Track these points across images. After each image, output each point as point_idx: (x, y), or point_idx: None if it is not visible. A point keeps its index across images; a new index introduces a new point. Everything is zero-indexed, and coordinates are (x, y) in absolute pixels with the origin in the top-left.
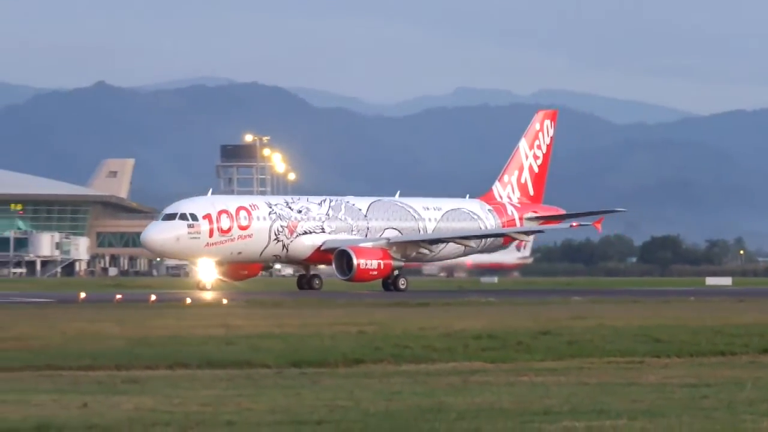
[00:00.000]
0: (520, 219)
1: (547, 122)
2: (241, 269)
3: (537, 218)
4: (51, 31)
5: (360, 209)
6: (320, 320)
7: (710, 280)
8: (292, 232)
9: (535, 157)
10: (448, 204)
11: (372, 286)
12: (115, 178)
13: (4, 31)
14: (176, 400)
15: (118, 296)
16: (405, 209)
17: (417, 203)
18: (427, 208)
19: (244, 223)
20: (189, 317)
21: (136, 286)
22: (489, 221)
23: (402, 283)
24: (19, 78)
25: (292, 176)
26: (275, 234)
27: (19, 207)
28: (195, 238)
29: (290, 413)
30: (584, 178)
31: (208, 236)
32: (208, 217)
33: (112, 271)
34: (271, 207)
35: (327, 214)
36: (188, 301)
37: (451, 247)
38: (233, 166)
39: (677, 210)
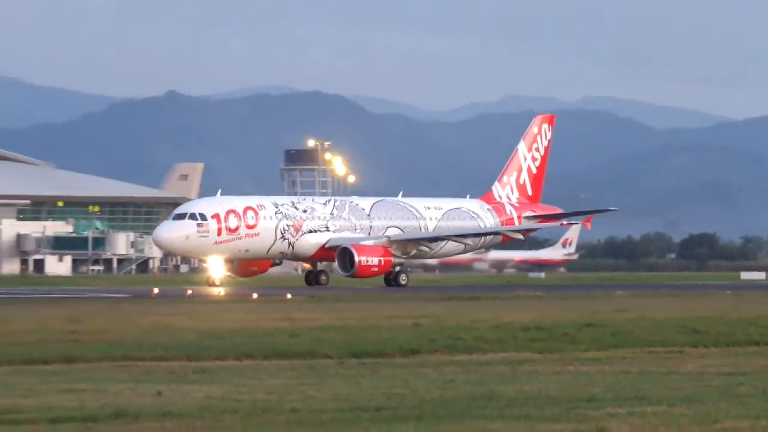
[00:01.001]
0: (519, 218)
1: (545, 126)
2: (251, 266)
3: (535, 217)
4: (125, 44)
5: (363, 209)
6: (378, 313)
7: (745, 275)
8: (297, 230)
9: (533, 159)
10: (448, 204)
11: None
12: (186, 181)
13: (81, 44)
14: (243, 389)
15: (189, 292)
16: (407, 209)
17: (418, 203)
18: (429, 208)
19: (251, 222)
20: (255, 311)
21: (204, 282)
22: (488, 220)
23: (403, 279)
24: (96, 88)
25: (351, 179)
26: (281, 232)
27: (96, 208)
28: (204, 236)
29: (350, 401)
30: (626, 180)
31: (216, 235)
32: (216, 216)
33: (184, 268)
34: (277, 207)
35: (331, 214)
36: (254, 296)
37: (451, 245)
38: (296, 169)
39: (714, 209)
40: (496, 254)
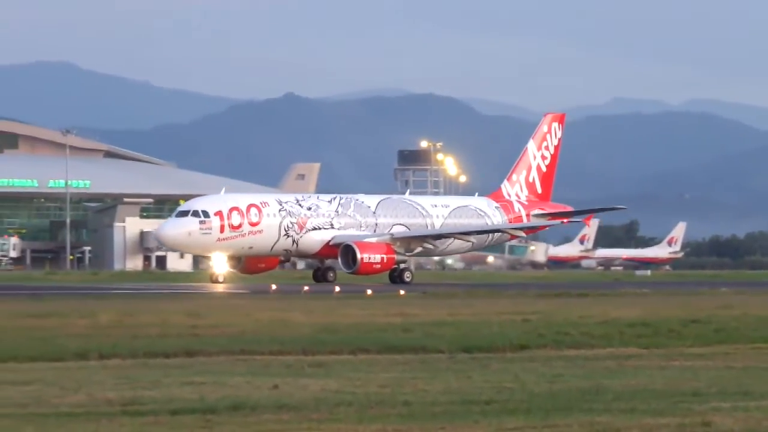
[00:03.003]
0: (527, 216)
1: (555, 125)
2: (259, 263)
3: (544, 215)
4: (245, 47)
5: (369, 206)
6: (489, 309)
7: None
8: (301, 227)
9: (543, 158)
10: (456, 201)
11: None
12: (303, 181)
13: (202, 48)
14: (358, 382)
15: (306, 287)
16: (413, 206)
17: (425, 201)
18: (435, 206)
19: (254, 219)
20: (370, 306)
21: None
22: (496, 218)
23: (407, 276)
24: (217, 90)
25: (462, 178)
26: (285, 230)
27: None
28: (206, 233)
29: (461, 394)
30: (731, 180)
31: (219, 232)
32: (219, 213)
33: (300, 265)
34: (281, 204)
35: (336, 211)
36: (369, 292)
37: (457, 242)
38: (409, 169)
39: None
40: (603, 252)
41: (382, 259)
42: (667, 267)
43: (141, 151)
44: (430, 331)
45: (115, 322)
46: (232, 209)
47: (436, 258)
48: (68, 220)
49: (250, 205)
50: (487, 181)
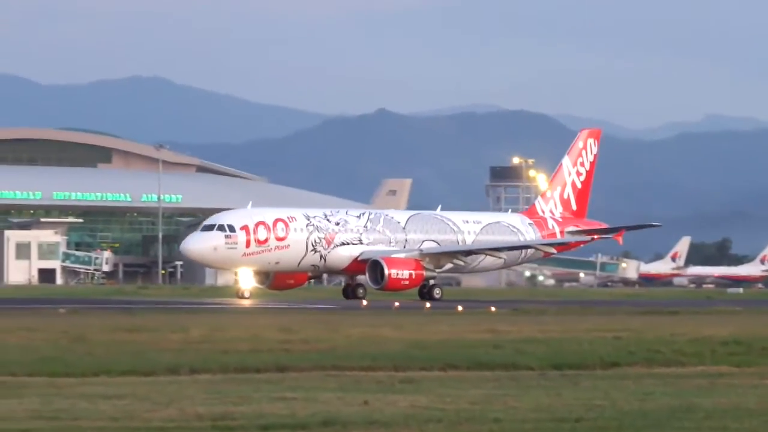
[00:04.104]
0: (561, 232)
1: (591, 141)
2: (288, 278)
3: (579, 232)
4: (338, 63)
5: (399, 222)
6: (579, 326)
7: None
8: (329, 243)
9: (578, 174)
10: (488, 218)
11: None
12: (394, 196)
13: (296, 63)
14: (448, 399)
15: (396, 304)
16: (444, 222)
17: (456, 216)
18: (467, 222)
19: (281, 234)
20: (460, 323)
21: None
22: (529, 234)
23: (437, 292)
24: (310, 105)
25: None
26: (312, 245)
27: None
28: (232, 248)
29: (551, 411)
30: None
31: (245, 246)
32: (245, 228)
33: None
34: (309, 219)
35: (365, 227)
36: (459, 308)
37: (489, 259)
38: (501, 185)
39: None
40: (695, 270)
41: (411, 275)
42: (760, 285)
43: (233, 166)
44: (521, 348)
45: (205, 336)
46: (258, 224)
47: (527, 274)
48: (160, 235)
49: (277, 220)
50: None
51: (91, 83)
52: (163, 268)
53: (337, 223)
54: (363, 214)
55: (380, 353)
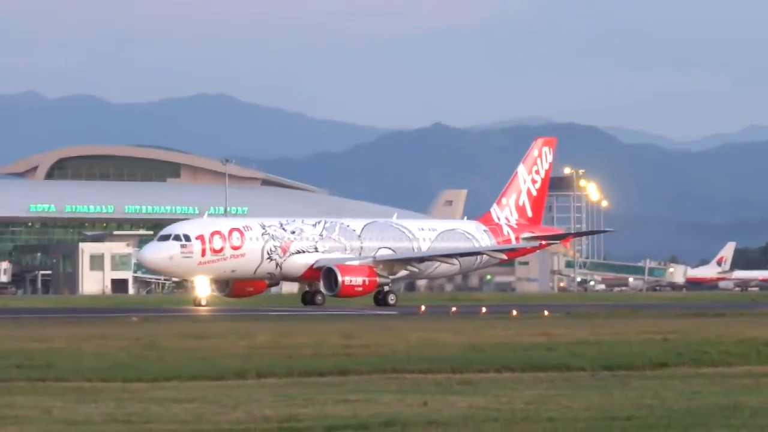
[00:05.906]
0: (516, 239)
1: (546, 149)
2: (247, 286)
3: (534, 238)
4: (396, 79)
5: (354, 230)
6: (629, 329)
7: None
8: (285, 251)
9: (533, 182)
10: (443, 225)
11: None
12: (451, 207)
13: (355, 80)
14: (504, 399)
15: (453, 309)
16: (399, 230)
17: (412, 224)
18: (422, 229)
19: (236, 243)
20: (514, 326)
21: (468, 299)
22: (484, 241)
23: (391, 298)
24: (367, 120)
25: (604, 204)
26: (268, 253)
27: None
28: (188, 257)
29: (603, 410)
30: None
31: (200, 255)
32: (200, 237)
33: (448, 287)
34: (264, 228)
35: (321, 235)
36: (514, 312)
37: (444, 266)
38: (553, 195)
39: None
40: (740, 273)
41: (364, 281)
42: None
43: (296, 179)
44: (573, 350)
45: (271, 342)
46: (213, 233)
47: (578, 279)
48: None
49: (232, 230)
50: (629, 206)
51: (161, 100)
52: None
53: (293, 232)
54: (318, 222)
55: (438, 356)
